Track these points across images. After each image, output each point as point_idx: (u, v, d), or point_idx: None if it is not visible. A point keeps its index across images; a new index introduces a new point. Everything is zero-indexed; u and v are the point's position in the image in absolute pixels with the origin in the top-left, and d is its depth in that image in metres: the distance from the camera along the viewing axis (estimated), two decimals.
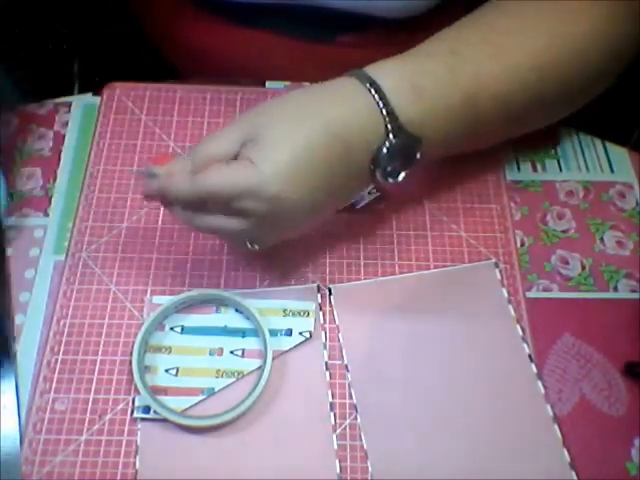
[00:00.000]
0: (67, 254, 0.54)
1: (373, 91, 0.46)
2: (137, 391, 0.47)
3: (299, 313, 0.51)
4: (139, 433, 0.47)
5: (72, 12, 0.76)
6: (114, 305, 0.52)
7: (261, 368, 0.48)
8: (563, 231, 0.56)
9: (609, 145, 0.61)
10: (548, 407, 0.48)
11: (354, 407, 0.48)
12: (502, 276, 0.53)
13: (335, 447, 0.47)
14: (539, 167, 0.60)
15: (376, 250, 0.55)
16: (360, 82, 0.47)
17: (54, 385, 0.48)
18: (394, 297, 0.52)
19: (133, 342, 0.49)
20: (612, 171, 0.59)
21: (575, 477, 0.46)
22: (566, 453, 0.46)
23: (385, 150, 0.46)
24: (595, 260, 0.54)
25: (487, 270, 0.54)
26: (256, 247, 0.49)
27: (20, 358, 0.50)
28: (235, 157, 0.45)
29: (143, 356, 0.49)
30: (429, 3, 0.61)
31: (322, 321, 0.51)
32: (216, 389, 0.48)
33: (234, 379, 0.49)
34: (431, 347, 0.50)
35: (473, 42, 0.50)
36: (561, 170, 0.60)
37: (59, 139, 0.61)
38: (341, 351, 0.50)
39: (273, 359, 0.48)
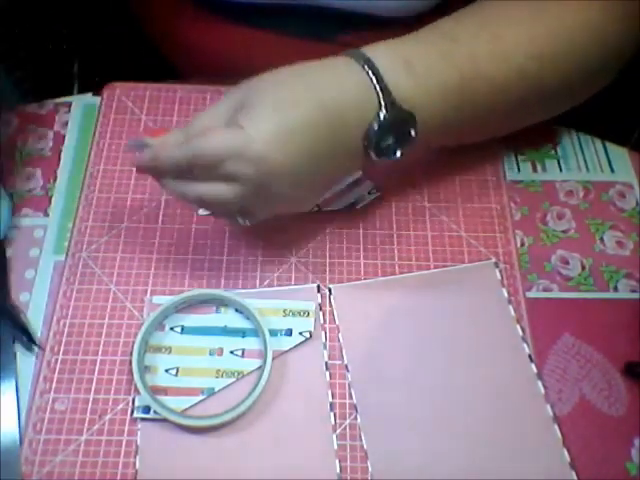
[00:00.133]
0: (67, 254, 0.54)
1: (367, 67, 0.47)
2: (137, 391, 0.47)
3: (299, 313, 0.51)
4: (139, 433, 0.47)
5: (72, 12, 0.76)
6: (114, 305, 0.52)
7: (261, 368, 0.48)
8: (563, 231, 0.56)
9: (609, 145, 0.61)
10: (548, 407, 0.48)
11: (354, 407, 0.48)
12: (502, 276, 0.53)
13: (335, 447, 0.47)
14: (539, 167, 0.60)
15: (376, 250, 0.55)
16: (355, 60, 0.47)
17: (54, 385, 0.48)
18: (394, 297, 0.52)
19: (133, 342, 0.49)
20: (612, 171, 0.59)
21: (575, 477, 0.46)
22: (566, 453, 0.46)
23: (377, 124, 0.46)
24: (595, 260, 0.54)
25: (487, 270, 0.54)
26: (247, 223, 0.48)
27: (20, 358, 0.50)
28: None
29: (143, 356, 0.49)
30: (429, 3, 0.61)
31: (322, 321, 0.51)
32: (216, 389, 0.48)
33: (234, 379, 0.49)
34: (431, 347, 0.50)
35: (470, 30, 0.50)
36: (561, 170, 0.60)
37: (59, 139, 0.61)
38: (341, 351, 0.50)
39: (273, 359, 0.48)
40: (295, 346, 0.50)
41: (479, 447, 0.46)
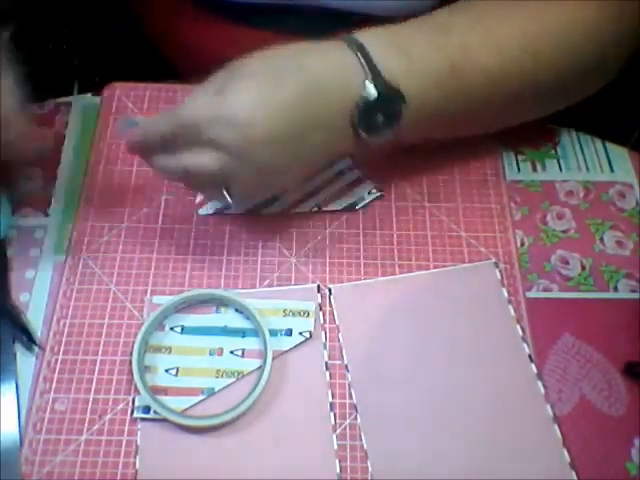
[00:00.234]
0: (67, 254, 0.54)
1: (356, 48, 0.47)
2: (137, 391, 0.47)
3: (299, 313, 0.51)
4: (139, 433, 0.47)
5: (72, 12, 0.76)
6: (114, 305, 0.52)
7: (261, 368, 0.48)
8: (563, 231, 0.56)
9: (609, 145, 0.61)
10: (548, 407, 0.48)
11: (354, 407, 0.48)
12: (502, 276, 0.53)
13: (335, 447, 0.47)
14: (539, 167, 0.60)
15: (376, 250, 0.55)
16: (346, 42, 0.48)
17: (54, 385, 0.48)
18: (394, 297, 0.52)
19: (133, 342, 0.49)
20: (612, 171, 0.59)
21: (575, 477, 0.45)
22: (566, 453, 0.46)
23: (364, 100, 0.46)
24: (595, 260, 0.54)
25: (487, 270, 0.54)
26: (230, 201, 0.48)
27: (20, 358, 0.50)
28: None
29: (143, 356, 0.49)
30: (428, 3, 0.61)
31: (322, 321, 0.51)
32: (216, 389, 0.48)
33: (234, 379, 0.49)
34: (431, 347, 0.50)
35: (465, 22, 0.51)
36: (561, 170, 0.60)
37: (59, 139, 0.61)
38: (341, 351, 0.50)
39: (273, 359, 0.48)
40: (295, 346, 0.50)
41: (479, 447, 0.46)
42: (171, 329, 0.51)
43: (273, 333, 0.50)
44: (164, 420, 0.47)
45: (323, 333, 0.51)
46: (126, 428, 0.47)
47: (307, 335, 0.50)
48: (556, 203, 0.58)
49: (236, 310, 0.52)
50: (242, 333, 0.51)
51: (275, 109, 0.45)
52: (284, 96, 0.45)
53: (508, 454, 0.46)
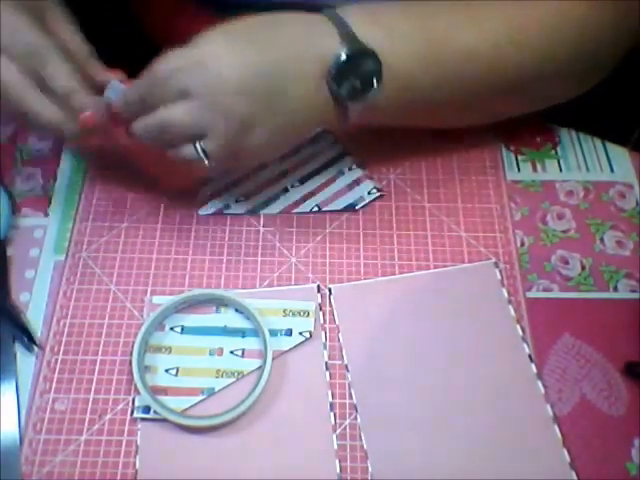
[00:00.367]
0: (67, 254, 0.54)
1: (333, 15, 0.48)
2: (137, 391, 0.47)
3: (299, 313, 0.51)
4: (139, 433, 0.47)
5: (72, 12, 0.76)
6: (114, 305, 0.52)
7: (261, 368, 0.48)
8: (563, 231, 0.56)
9: (609, 145, 0.61)
10: (548, 407, 0.48)
11: (354, 407, 0.48)
12: (502, 276, 0.53)
13: (335, 447, 0.47)
14: (539, 167, 0.60)
15: (376, 250, 0.55)
16: (323, 13, 0.48)
17: (54, 385, 0.48)
18: (394, 297, 0.52)
19: (133, 342, 0.49)
20: (612, 171, 0.59)
21: (575, 477, 0.46)
22: (566, 453, 0.46)
23: (336, 58, 0.46)
24: (595, 260, 0.54)
25: (487, 270, 0.54)
26: (205, 160, 0.47)
27: (20, 358, 0.50)
28: None
29: (143, 356, 0.49)
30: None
31: (322, 321, 0.51)
32: (216, 389, 0.48)
33: (234, 379, 0.49)
34: (431, 347, 0.50)
35: (448, 8, 0.51)
36: (561, 170, 0.60)
37: (59, 139, 0.61)
38: (341, 351, 0.50)
39: (273, 359, 0.48)
40: (295, 346, 0.50)
41: (479, 447, 0.46)
42: (171, 329, 0.51)
43: (273, 333, 0.50)
44: (164, 420, 0.47)
45: (323, 333, 0.51)
46: (126, 428, 0.47)
47: (307, 335, 0.50)
48: (556, 203, 0.58)
49: (236, 310, 0.52)
50: (242, 333, 0.51)
51: (244, 56, 0.46)
52: (254, 45, 0.46)
53: (508, 454, 0.46)
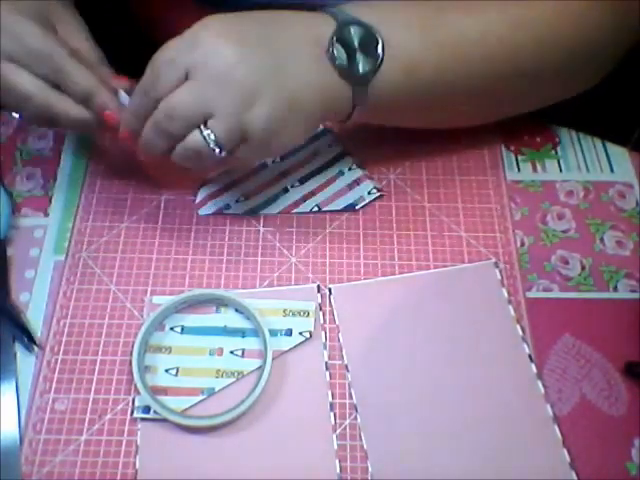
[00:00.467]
0: (67, 254, 0.54)
1: (330, 10, 0.49)
2: (137, 391, 0.47)
3: (299, 313, 0.51)
4: (139, 433, 0.47)
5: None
6: (114, 305, 0.52)
7: (261, 368, 0.48)
8: (563, 231, 0.56)
9: (609, 145, 0.61)
10: (548, 407, 0.48)
11: (354, 407, 0.48)
12: (502, 276, 0.53)
13: (335, 447, 0.47)
14: (539, 167, 0.60)
15: (376, 250, 0.55)
16: (321, 10, 0.49)
17: (54, 385, 0.48)
18: (394, 297, 0.52)
19: (133, 342, 0.49)
20: (612, 171, 0.59)
21: (575, 477, 0.46)
22: (566, 453, 0.46)
23: (335, 33, 0.47)
24: (595, 260, 0.54)
25: (487, 270, 0.54)
26: (215, 149, 0.46)
27: (20, 358, 0.50)
28: None
29: (143, 356, 0.49)
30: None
31: (322, 321, 0.51)
32: (216, 389, 0.48)
33: (234, 379, 0.49)
34: (431, 347, 0.50)
35: (448, 4, 0.51)
36: (561, 170, 0.60)
37: (59, 139, 0.61)
38: (341, 351, 0.50)
39: (273, 359, 0.48)
40: (295, 346, 0.50)
41: (479, 447, 0.46)
42: (171, 329, 0.51)
43: (273, 333, 0.50)
44: (164, 420, 0.47)
45: (323, 333, 0.51)
46: (126, 428, 0.47)
47: (307, 335, 0.50)
48: (556, 203, 0.58)
49: (236, 310, 0.52)
50: (242, 333, 0.51)
51: (240, 33, 0.46)
52: (250, 25, 0.47)
53: (508, 454, 0.46)
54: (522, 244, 0.55)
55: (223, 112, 0.45)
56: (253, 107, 0.45)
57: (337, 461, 0.46)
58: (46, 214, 0.56)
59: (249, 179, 0.58)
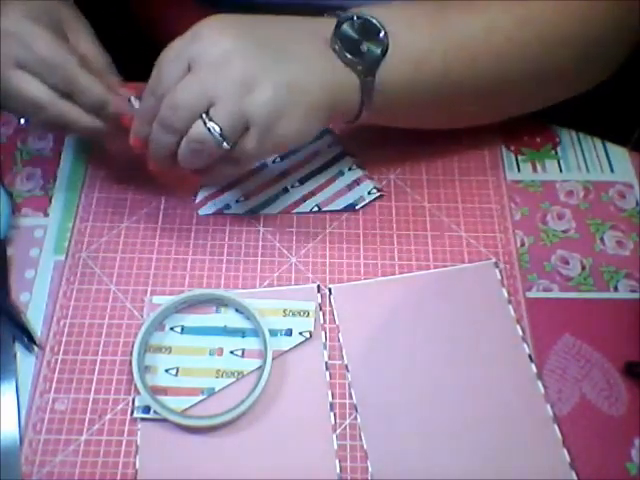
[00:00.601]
0: (67, 254, 0.54)
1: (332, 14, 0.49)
2: (137, 391, 0.47)
3: (299, 313, 0.51)
4: (139, 433, 0.47)
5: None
6: (114, 305, 0.52)
7: (261, 368, 0.48)
8: (563, 231, 0.56)
9: (609, 145, 0.61)
10: (548, 407, 0.48)
11: (354, 407, 0.48)
12: (502, 276, 0.53)
13: (335, 447, 0.47)
14: (539, 167, 0.60)
15: (376, 250, 0.55)
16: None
17: (54, 385, 0.48)
18: (394, 297, 0.52)
19: (133, 342, 0.49)
20: (612, 171, 0.59)
21: (575, 477, 0.46)
22: (566, 453, 0.46)
23: (336, 27, 0.48)
24: (595, 260, 0.54)
25: (487, 270, 0.54)
26: (221, 140, 0.45)
27: (20, 358, 0.50)
28: None
29: (143, 356, 0.49)
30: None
31: (322, 321, 0.51)
32: (216, 389, 0.48)
33: (234, 379, 0.49)
34: (431, 347, 0.50)
35: (453, 3, 0.51)
36: (561, 170, 0.60)
37: (59, 139, 0.61)
38: (341, 351, 0.50)
39: (273, 359, 0.48)
40: (295, 346, 0.50)
41: (479, 447, 0.46)
42: (171, 329, 0.51)
43: (273, 333, 0.50)
44: (164, 420, 0.47)
45: (323, 333, 0.51)
46: (126, 428, 0.47)
47: (307, 335, 0.50)
48: (556, 203, 0.58)
49: (236, 310, 0.52)
50: (242, 333, 0.51)
51: (238, 24, 0.47)
52: (249, 20, 0.48)
53: (508, 454, 0.46)
54: (522, 244, 0.55)
55: (223, 98, 0.45)
56: (253, 92, 0.45)
57: (337, 461, 0.46)
58: (46, 214, 0.56)
59: (249, 179, 0.58)
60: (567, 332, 0.51)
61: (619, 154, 0.60)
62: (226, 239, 0.55)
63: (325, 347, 0.50)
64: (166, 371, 0.49)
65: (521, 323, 0.51)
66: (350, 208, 0.57)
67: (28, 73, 0.48)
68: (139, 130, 0.49)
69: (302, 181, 0.58)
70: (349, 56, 0.48)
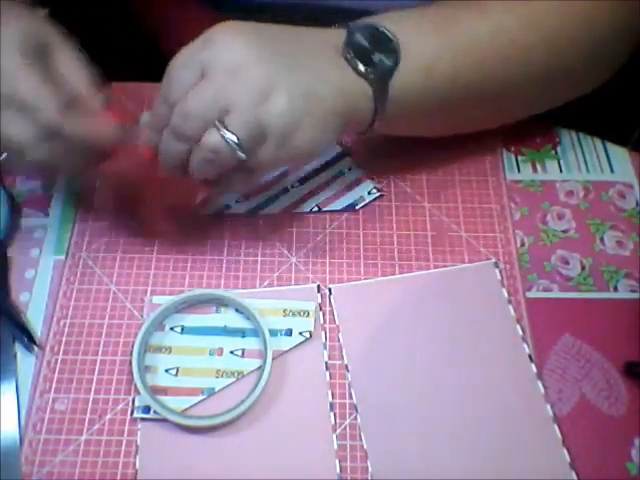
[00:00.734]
0: (67, 254, 0.54)
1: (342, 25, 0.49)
2: (137, 391, 0.47)
3: (299, 313, 0.51)
4: (139, 433, 0.47)
5: (72, 12, 0.76)
6: (114, 305, 0.52)
7: (261, 368, 0.48)
8: (563, 231, 0.56)
9: (609, 145, 0.61)
10: (548, 407, 0.48)
11: (354, 407, 0.48)
12: (502, 276, 0.53)
13: (335, 447, 0.47)
14: (539, 167, 0.60)
15: (376, 250, 0.55)
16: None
17: (54, 385, 0.48)
18: (394, 297, 0.52)
19: (133, 342, 0.49)
20: (612, 171, 0.59)
21: (575, 477, 0.46)
22: (566, 453, 0.46)
23: (346, 38, 0.47)
24: (595, 260, 0.54)
25: (487, 270, 0.54)
26: (231, 135, 0.43)
27: (20, 358, 0.50)
28: None
29: (143, 356, 0.49)
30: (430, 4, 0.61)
31: (322, 321, 0.51)
32: (216, 389, 0.48)
33: (234, 379, 0.49)
34: (431, 347, 0.50)
35: (460, 4, 0.51)
36: (561, 170, 0.60)
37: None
38: (341, 351, 0.50)
39: (273, 359, 0.48)
40: (295, 346, 0.50)
41: (479, 447, 0.46)
42: (171, 329, 0.51)
43: (273, 333, 0.50)
44: (164, 420, 0.47)
45: (323, 333, 0.51)
46: (126, 428, 0.47)
47: (307, 335, 0.50)
48: (556, 203, 0.58)
49: (236, 310, 0.52)
50: (242, 333, 0.51)
51: (253, 31, 0.46)
52: (262, 27, 0.47)
53: (508, 454, 0.46)
54: (522, 244, 0.55)
55: (239, 106, 0.43)
56: (270, 100, 0.44)
57: (337, 461, 0.46)
58: (46, 214, 0.56)
59: None
60: (567, 332, 0.51)
61: (619, 154, 0.60)
62: (226, 239, 0.55)
63: (325, 347, 0.50)
64: (166, 371, 0.49)
65: (521, 323, 0.51)
66: (350, 208, 0.57)
67: (12, 113, 0.45)
68: (150, 138, 0.48)
69: (302, 181, 0.58)
70: (361, 65, 0.47)
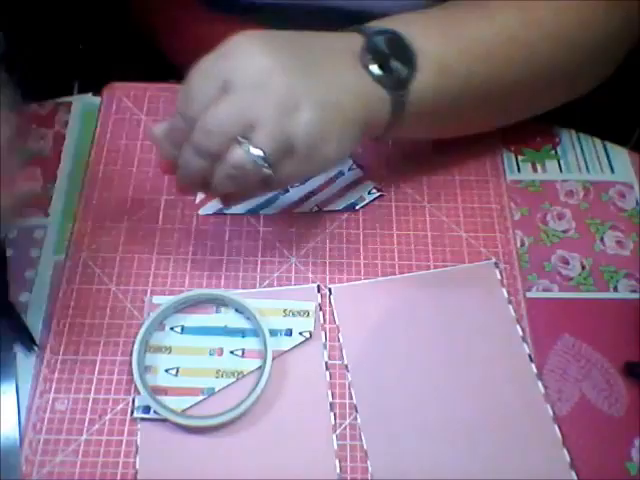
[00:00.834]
0: (67, 254, 0.54)
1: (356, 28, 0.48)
2: (137, 391, 0.47)
3: (299, 313, 0.51)
4: (139, 433, 0.47)
5: (72, 12, 0.76)
6: (114, 305, 0.52)
7: (261, 368, 0.48)
8: (563, 231, 0.56)
9: (609, 145, 0.61)
10: (548, 407, 0.48)
11: (354, 407, 0.48)
12: (502, 276, 0.53)
13: (335, 447, 0.47)
14: (539, 167, 0.60)
15: (376, 250, 0.55)
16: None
17: (54, 385, 0.48)
18: (394, 297, 0.52)
19: (133, 342, 0.49)
20: (612, 171, 0.59)
21: (575, 477, 0.46)
22: (566, 453, 0.46)
23: (365, 43, 0.47)
24: (595, 260, 0.54)
25: (487, 270, 0.54)
26: (257, 151, 0.42)
27: (20, 358, 0.50)
28: None
29: (143, 356, 0.49)
30: (431, 4, 0.61)
31: (322, 321, 0.51)
32: (216, 389, 0.48)
33: (234, 379, 0.49)
34: (431, 347, 0.50)
35: (464, 7, 0.51)
36: (561, 170, 0.60)
37: (59, 139, 0.61)
38: (341, 351, 0.50)
39: (273, 359, 0.48)
40: (295, 346, 0.50)
41: (479, 447, 0.46)
42: (171, 329, 0.51)
43: (273, 333, 0.50)
44: (164, 420, 0.47)
45: (323, 333, 0.51)
46: (126, 428, 0.47)
47: (307, 335, 0.50)
48: (556, 203, 0.58)
49: (236, 310, 0.52)
50: (242, 333, 0.51)
51: (270, 41, 0.44)
52: (279, 35, 0.46)
53: (508, 454, 0.46)
54: (522, 244, 0.55)
55: (265, 121, 0.42)
56: (295, 113, 0.43)
57: (337, 461, 0.46)
58: (46, 214, 0.56)
59: None
60: (567, 332, 0.51)
61: (619, 154, 0.60)
62: (226, 239, 0.55)
63: (325, 347, 0.50)
64: (166, 371, 0.49)
65: (521, 323, 0.51)
66: (350, 208, 0.57)
67: None
68: (168, 153, 0.46)
69: (302, 181, 0.58)
70: (379, 71, 0.47)
